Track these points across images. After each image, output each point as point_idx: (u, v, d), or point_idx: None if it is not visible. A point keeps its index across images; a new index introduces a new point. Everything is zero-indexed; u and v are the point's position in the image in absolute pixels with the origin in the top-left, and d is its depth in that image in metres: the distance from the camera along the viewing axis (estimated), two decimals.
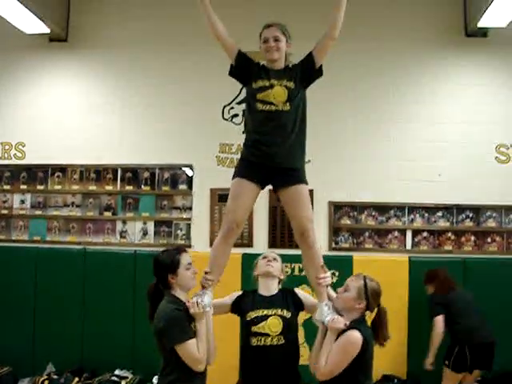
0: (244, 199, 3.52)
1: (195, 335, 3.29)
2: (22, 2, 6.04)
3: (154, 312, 3.38)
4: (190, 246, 6.69)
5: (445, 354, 5.68)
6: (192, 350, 3.22)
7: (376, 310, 3.45)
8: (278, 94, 3.48)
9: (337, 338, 3.33)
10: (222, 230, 3.57)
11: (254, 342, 3.58)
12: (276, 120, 3.47)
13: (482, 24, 6.33)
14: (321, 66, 3.61)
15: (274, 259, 3.80)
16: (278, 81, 3.51)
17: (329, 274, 3.57)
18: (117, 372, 6.37)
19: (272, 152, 3.47)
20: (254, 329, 3.59)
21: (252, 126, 3.58)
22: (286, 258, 3.82)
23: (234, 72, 3.70)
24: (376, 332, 3.40)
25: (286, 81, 3.52)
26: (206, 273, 3.52)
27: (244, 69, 3.64)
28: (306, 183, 3.56)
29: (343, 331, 3.31)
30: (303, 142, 3.60)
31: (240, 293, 3.84)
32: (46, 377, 6.30)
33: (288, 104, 3.48)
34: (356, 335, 3.24)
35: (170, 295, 3.39)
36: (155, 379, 6.16)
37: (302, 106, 3.58)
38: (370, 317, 3.53)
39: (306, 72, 3.59)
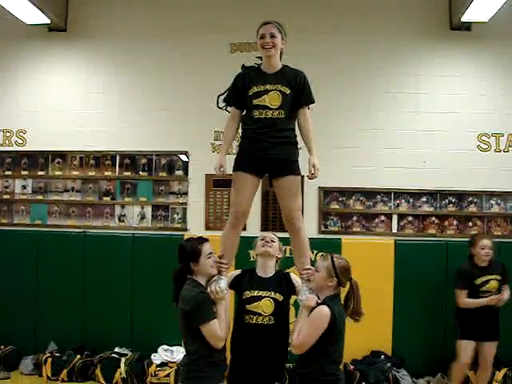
0: (246, 191, 3.78)
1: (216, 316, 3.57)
2: None
3: (177, 294, 3.65)
4: (186, 229, 6.96)
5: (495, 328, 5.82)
6: (216, 329, 3.51)
7: (348, 284, 3.66)
8: (272, 99, 3.70)
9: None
10: (229, 220, 3.84)
11: (247, 319, 3.86)
12: (271, 126, 3.70)
13: (465, 18, 6.55)
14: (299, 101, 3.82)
15: (272, 240, 4.03)
16: (273, 85, 3.72)
17: (313, 268, 3.78)
18: (116, 349, 6.60)
19: (266, 147, 3.71)
20: (248, 307, 3.87)
21: (249, 126, 3.80)
22: (285, 241, 4.08)
23: (243, 108, 3.88)
24: (350, 306, 3.60)
25: (281, 85, 3.72)
26: (219, 257, 3.79)
27: (240, 98, 3.84)
28: (298, 174, 3.80)
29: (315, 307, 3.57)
30: (295, 137, 3.84)
31: (239, 272, 4.09)
32: (48, 354, 6.52)
33: (283, 111, 3.70)
34: (324, 309, 3.47)
35: (192, 280, 3.67)
36: (153, 356, 6.46)
37: (295, 110, 3.81)
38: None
39: (299, 98, 3.80)
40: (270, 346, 3.82)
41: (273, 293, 3.90)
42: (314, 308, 3.56)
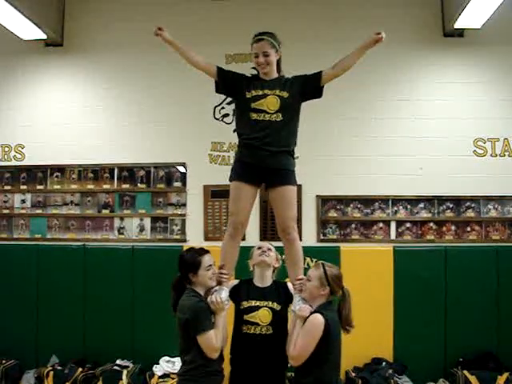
0: (244, 201, 3.79)
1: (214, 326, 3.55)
2: (19, 10, 6.24)
3: (176, 302, 3.65)
4: (185, 240, 6.97)
5: None
6: (212, 340, 3.48)
7: (340, 292, 3.66)
8: (270, 103, 3.72)
9: None
10: (228, 230, 3.84)
11: (245, 329, 3.85)
12: (268, 129, 3.71)
13: (458, 25, 6.60)
14: (322, 86, 3.86)
15: (269, 249, 4.02)
16: (271, 90, 3.75)
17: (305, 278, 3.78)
18: (118, 362, 6.59)
19: (263, 156, 3.72)
20: (246, 317, 3.86)
21: (244, 132, 3.82)
22: (280, 250, 4.07)
23: (221, 87, 3.92)
24: (343, 315, 3.60)
25: (279, 91, 3.75)
26: (220, 268, 3.80)
27: (229, 82, 3.87)
28: (294, 184, 3.81)
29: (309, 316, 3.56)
30: (293, 147, 3.85)
31: (236, 282, 4.07)
32: (50, 368, 6.51)
33: (280, 114, 3.72)
34: (318, 318, 3.47)
35: (191, 290, 3.66)
36: (155, 368, 6.46)
37: (295, 117, 3.84)
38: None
39: (308, 86, 3.85)
40: (269, 356, 3.80)
41: (270, 302, 3.89)
42: (307, 317, 3.56)
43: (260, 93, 3.76)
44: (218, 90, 3.98)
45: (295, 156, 3.91)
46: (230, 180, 3.85)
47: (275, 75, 3.89)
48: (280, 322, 3.90)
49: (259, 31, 3.88)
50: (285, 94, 3.77)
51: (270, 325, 3.83)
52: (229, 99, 6.78)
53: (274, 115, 3.72)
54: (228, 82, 3.89)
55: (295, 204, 3.85)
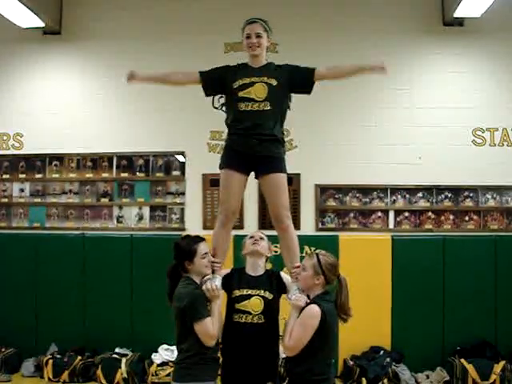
0: (234, 189, 3.77)
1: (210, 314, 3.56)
2: None
3: (172, 291, 3.65)
4: (183, 229, 6.97)
5: None
6: (209, 327, 3.48)
7: (336, 281, 3.62)
8: (258, 91, 3.68)
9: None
10: (219, 219, 3.83)
11: (236, 318, 3.79)
12: (256, 119, 3.68)
13: (458, 14, 6.59)
14: (313, 83, 3.79)
15: (261, 238, 3.95)
16: (259, 78, 3.71)
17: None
18: (117, 350, 6.64)
19: (252, 144, 3.70)
20: (237, 306, 3.80)
21: (233, 121, 3.78)
22: (274, 239, 4.01)
23: (209, 90, 3.88)
24: (339, 304, 3.55)
25: (267, 78, 3.71)
26: (211, 256, 3.77)
27: (215, 81, 3.82)
28: (284, 172, 3.78)
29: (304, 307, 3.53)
30: (281, 134, 3.83)
31: (228, 270, 4.02)
32: (49, 356, 6.56)
33: (268, 103, 3.67)
34: (314, 308, 3.43)
35: (186, 278, 3.65)
36: (154, 356, 6.49)
37: (284, 105, 3.80)
38: None
39: (298, 77, 3.78)
40: (261, 345, 3.77)
41: (262, 291, 3.83)
42: (303, 308, 3.53)
43: (247, 81, 3.72)
44: (207, 94, 3.92)
45: (294, 145, 3.91)
46: (220, 168, 3.84)
47: (264, 61, 3.85)
48: (272, 311, 3.85)
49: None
50: (273, 82, 3.72)
51: (261, 314, 3.77)
52: None
53: (263, 104, 3.68)
54: (214, 81, 3.84)
55: (286, 192, 3.81)
